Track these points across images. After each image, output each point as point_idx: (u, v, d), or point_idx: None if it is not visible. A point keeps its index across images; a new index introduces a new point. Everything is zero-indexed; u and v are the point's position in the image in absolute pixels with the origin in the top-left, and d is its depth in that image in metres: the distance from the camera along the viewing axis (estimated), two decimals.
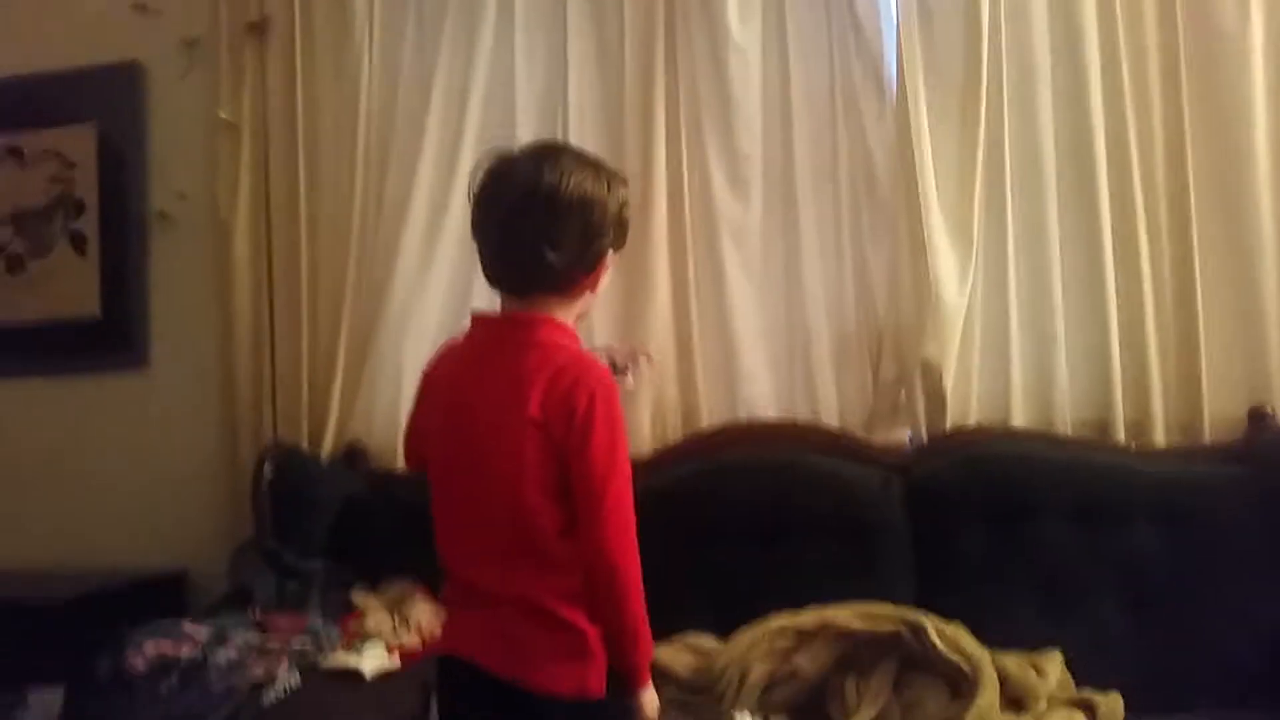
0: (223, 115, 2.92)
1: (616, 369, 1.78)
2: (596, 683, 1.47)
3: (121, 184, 3.09)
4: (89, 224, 3.11)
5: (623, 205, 1.57)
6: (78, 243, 3.11)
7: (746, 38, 2.68)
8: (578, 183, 1.50)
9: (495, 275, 1.56)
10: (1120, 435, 2.44)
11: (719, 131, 2.68)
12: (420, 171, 2.77)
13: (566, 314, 1.55)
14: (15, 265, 3.17)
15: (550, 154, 1.55)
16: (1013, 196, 2.54)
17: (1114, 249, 2.47)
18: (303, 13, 2.87)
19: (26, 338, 3.14)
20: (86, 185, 3.11)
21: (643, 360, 1.96)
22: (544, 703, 1.45)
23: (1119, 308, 2.46)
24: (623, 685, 1.51)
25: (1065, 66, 2.52)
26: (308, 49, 2.87)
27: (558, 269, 1.50)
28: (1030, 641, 2.13)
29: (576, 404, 1.45)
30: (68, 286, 3.10)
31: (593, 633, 1.47)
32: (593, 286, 1.56)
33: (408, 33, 2.83)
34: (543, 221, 1.49)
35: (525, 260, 1.51)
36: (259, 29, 2.90)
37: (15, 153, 3.18)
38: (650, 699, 1.55)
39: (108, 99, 3.10)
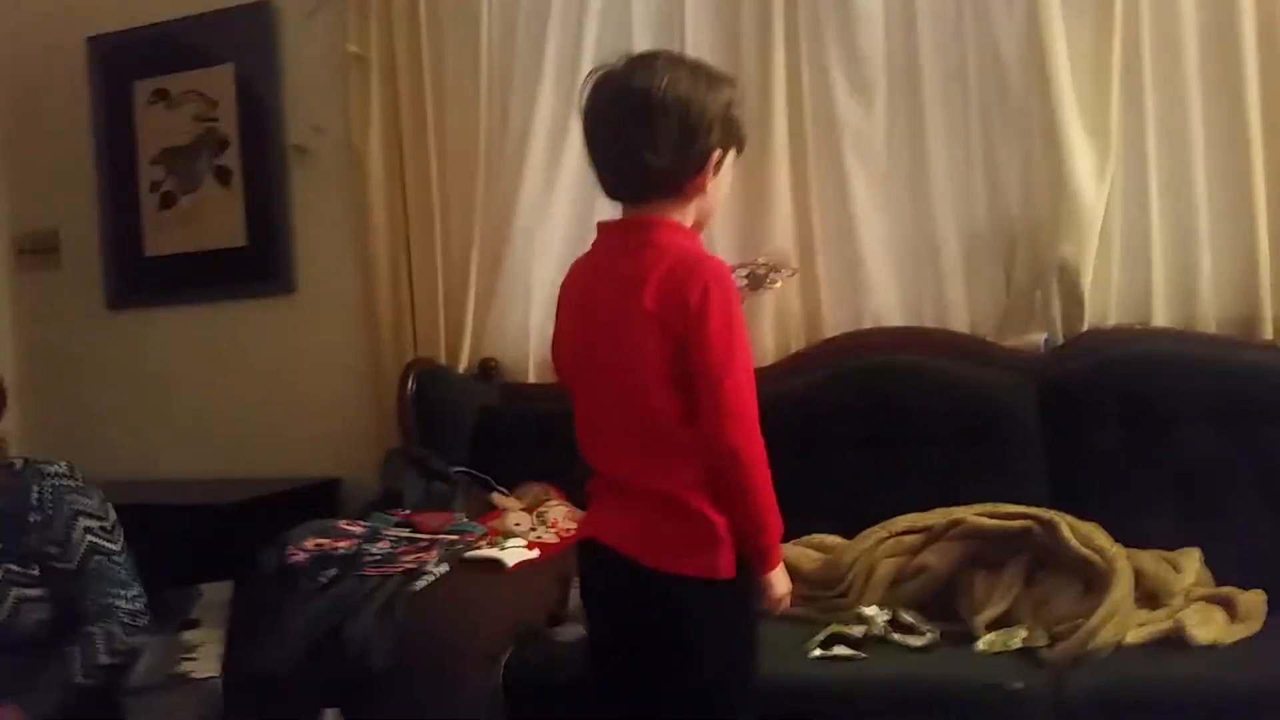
0: (351, 49, 3.01)
1: (758, 279, 1.78)
2: (727, 565, 1.51)
3: (260, 120, 3.22)
4: (232, 159, 3.26)
5: (728, 105, 1.55)
6: (223, 177, 3.28)
7: None
8: (670, 83, 1.51)
9: (606, 185, 1.60)
10: (1268, 332, 2.33)
11: (839, 33, 2.63)
12: (541, 93, 2.82)
13: (682, 216, 1.57)
14: (168, 201, 3.36)
15: (645, 60, 1.58)
16: (1152, 89, 2.43)
17: (1262, 141, 2.33)
18: None
19: (182, 267, 3.34)
20: (228, 122, 3.27)
21: (784, 271, 1.95)
22: (676, 583, 1.51)
23: (1267, 201, 2.33)
24: (753, 567, 1.55)
25: None
26: None
27: (660, 171, 1.51)
28: (1168, 545, 2.09)
29: (690, 295, 1.47)
30: (216, 219, 3.28)
31: (720, 521, 1.51)
32: (703, 188, 1.56)
33: None
34: (638, 125, 1.51)
35: (627, 166, 1.54)
36: None
37: (162, 94, 3.35)
38: (780, 579, 1.60)
39: (243, 39, 3.23)
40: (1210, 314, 2.39)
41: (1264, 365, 2.25)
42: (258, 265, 3.23)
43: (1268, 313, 2.34)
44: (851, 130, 2.63)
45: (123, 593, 2.03)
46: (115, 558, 2.05)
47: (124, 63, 3.39)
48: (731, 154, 1.59)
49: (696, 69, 1.58)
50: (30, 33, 3.47)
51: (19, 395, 2.67)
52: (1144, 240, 2.44)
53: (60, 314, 3.49)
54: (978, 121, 2.59)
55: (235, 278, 3.27)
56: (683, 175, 1.53)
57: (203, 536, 2.75)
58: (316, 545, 2.17)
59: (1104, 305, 2.45)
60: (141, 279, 3.41)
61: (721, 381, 1.47)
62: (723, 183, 1.60)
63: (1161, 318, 2.42)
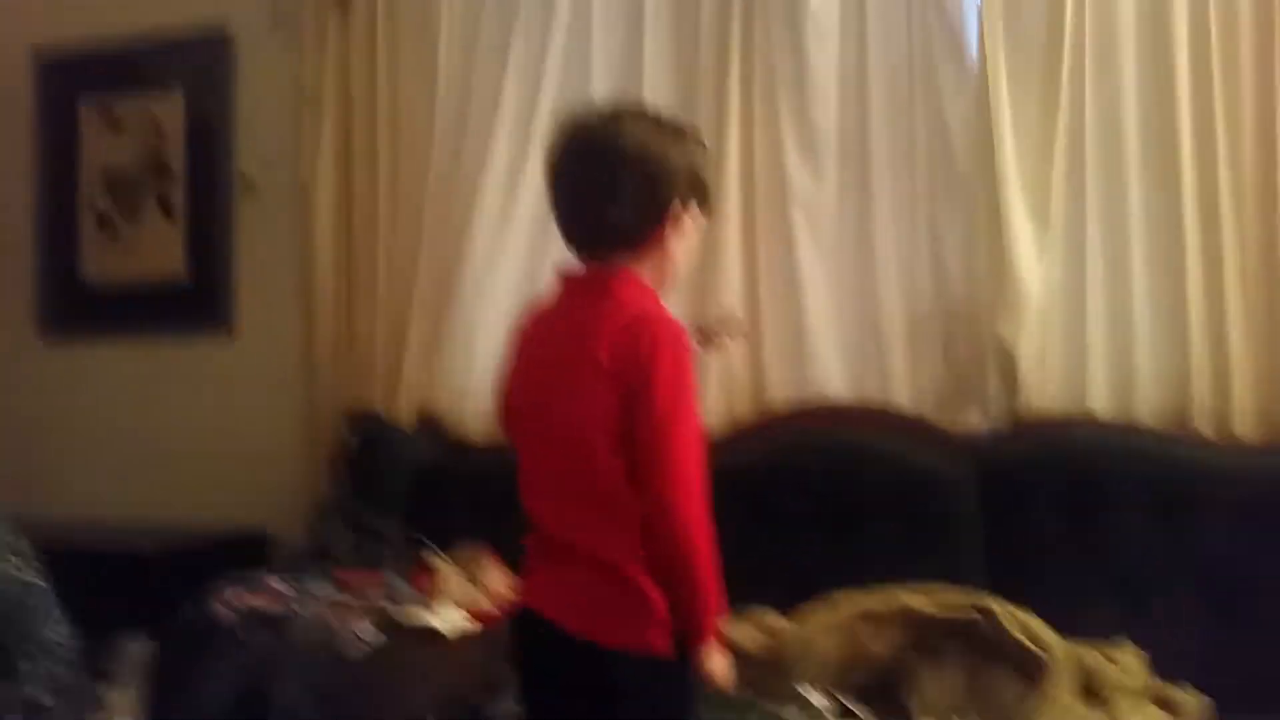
0: (307, 86, 2.97)
1: (706, 336, 1.76)
2: (662, 642, 1.46)
3: (209, 151, 3.18)
4: (177, 189, 3.20)
5: (692, 159, 1.54)
6: (166, 208, 3.21)
7: (824, 6, 2.64)
8: (635, 135, 1.50)
9: (568, 236, 1.56)
10: (1201, 425, 2.38)
11: (793, 103, 2.66)
12: (496, 140, 2.81)
13: (643, 271, 1.54)
14: (105, 223, 3.27)
15: (613, 111, 1.57)
16: (1093, 175, 2.48)
17: (1198, 231, 2.39)
18: None
19: (118, 298, 3.27)
20: (175, 151, 3.21)
21: (734, 329, 1.91)
22: (612, 658, 1.47)
23: (1202, 292, 2.39)
24: (689, 642, 1.49)
25: (1150, 40, 2.44)
26: (389, 19, 2.92)
27: (622, 225, 1.50)
28: (1102, 633, 2.10)
29: (641, 351, 1.44)
30: (157, 251, 3.22)
31: (658, 598, 1.46)
32: (665, 243, 1.53)
33: (486, 5, 2.85)
34: (601, 176, 1.50)
35: (589, 218, 1.52)
36: (343, 2, 2.95)
37: (108, 115, 3.27)
38: (720, 663, 1.55)
39: (196, 67, 3.19)
40: (1146, 403, 2.43)
41: (1198, 460, 2.29)
42: (197, 302, 3.17)
43: (1200, 405, 2.38)
44: (801, 199, 2.66)
45: (58, 629, 1.94)
46: (36, 591, 1.96)
47: (71, 76, 3.32)
48: (696, 210, 1.57)
49: (662, 122, 1.57)
50: None
51: None
52: (1081, 324, 2.48)
53: None
54: (924, 197, 2.62)
55: (173, 314, 3.20)
56: (644, 228, 1.51)
57: (124, 583, 2.66)
58: (242, 601, 2.11)
59: (1041, 388, 2.48)
60: (76, 307, 3.32)
61: (664, 440, 1.43)
62: (687, 239, 1.57)
63: (1099, 403, 2.46)
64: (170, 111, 3.22)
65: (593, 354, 1.46)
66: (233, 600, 2.14)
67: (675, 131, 1.56)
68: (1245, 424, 2.36)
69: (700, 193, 1.56)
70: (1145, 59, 2.45)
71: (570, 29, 2.80)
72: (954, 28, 2.59)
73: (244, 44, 3.16)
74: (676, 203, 1.52)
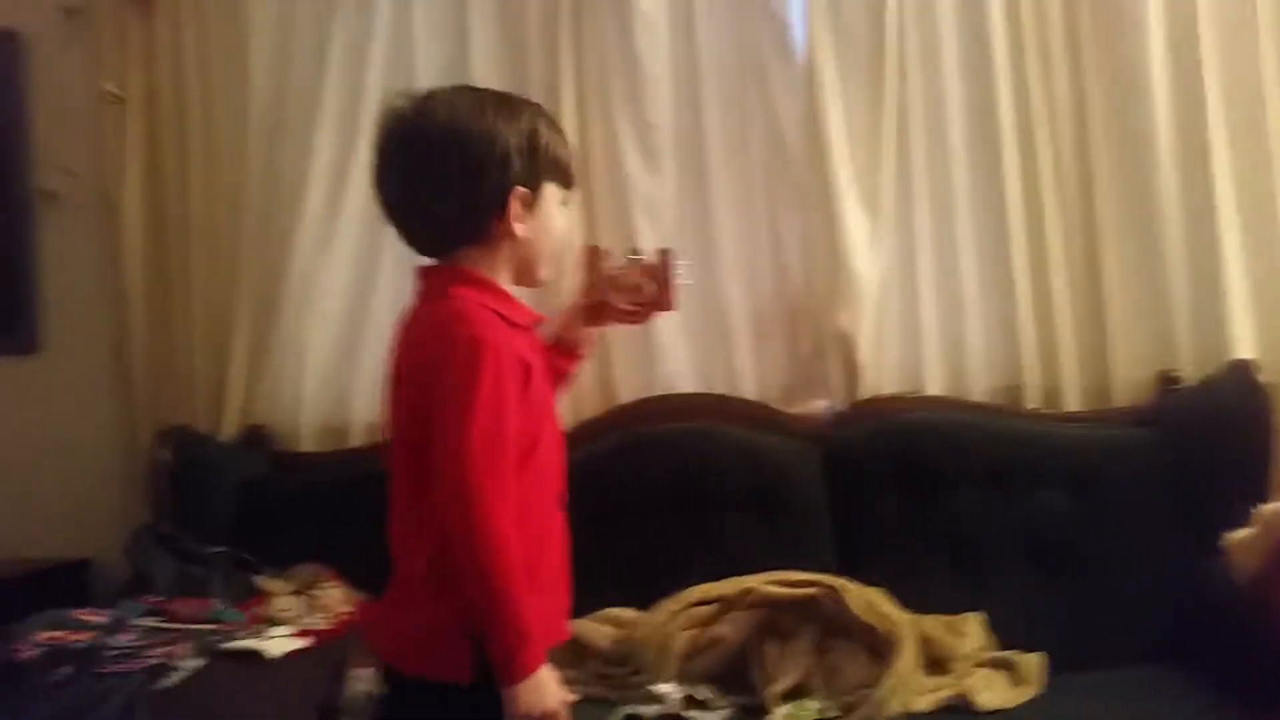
0: (108, 88, 2.79)
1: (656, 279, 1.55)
2: (461, 668, 1.29)
3: (4, 161, 2.92)
4: None
5: (531, 134, 1.37)
6: None
7: (653, 7, 2.64)
8: (452, 119, 1.34)
9: (402, 236, 1.42)
10: (1033, 401, 2.47)
11: (628, 103, 2.64)
12: (317, 143, 2.69)
13: (491, 265, 1.38)
14: None
15: (430, 93, 1.40)
16: (920, 165, 2.56)
17: (1022, 216, 2.50)
18: None
19: None
20: None
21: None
22: (414, 687, 1.33)
23: (1028, 275, 2.49)
24: (496, 677, 1.27)
25: (970, 34, 2.54)
26: (196, 17, 2.76)
27: (451, 220, 1.35)
28: (949, 607, 2.15)
29: (434, 356, 1.30)
30: None
31: (445, 615, 1.30)
32: (512, 231, 1.36)
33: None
34: (418, 169, 1.35)
35: (414, 216, 1.38)
36: None
37: None
38: (533, 694, 1.27)
39: None
40: (979, 383, 2.52)
41: (1030, 432, 2.37)
42: None
43: (1032, 381, 2.48)
44: (641, 195, 2.64)
45: None
46: None
47: None
48: (553, 189, 1.41)
49: (483, 97, 1.40)
50: None
51: None
52: (915, 311, 2.55)
53: None
54: (762, 192, 2.65)
55: None
56: (479, 220, 1.36)
57: None
58: (49, 639, 1.92)
59: (880, 374, 2.54)
60: None
61: (446, 452, 1.27)
62: (549, 223, 1.40)
63: (935, 386, 2.53)
64: None
65: (404, 358, 1.37)
66: (39, 637, 1.94)
67: (506, 106, 1.39)
68: (1072, 398, 2.46)
69: (553, 169, 1.40)
70: (966, 50, 2.55)
71: (393, 28, 2.70)
72: (781, 25, 2.62)
73: (36, 45, 2.93)
74: (513, 185, 1.35)
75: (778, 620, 2.02)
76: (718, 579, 2.11)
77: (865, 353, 2.51)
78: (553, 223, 1.42)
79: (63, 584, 2.64)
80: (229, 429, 2.68)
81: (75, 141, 2.88)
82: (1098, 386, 2.48)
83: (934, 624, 2.04)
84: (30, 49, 2.94)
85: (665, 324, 2.60)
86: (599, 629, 2.09)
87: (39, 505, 2.83)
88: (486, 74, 2.68)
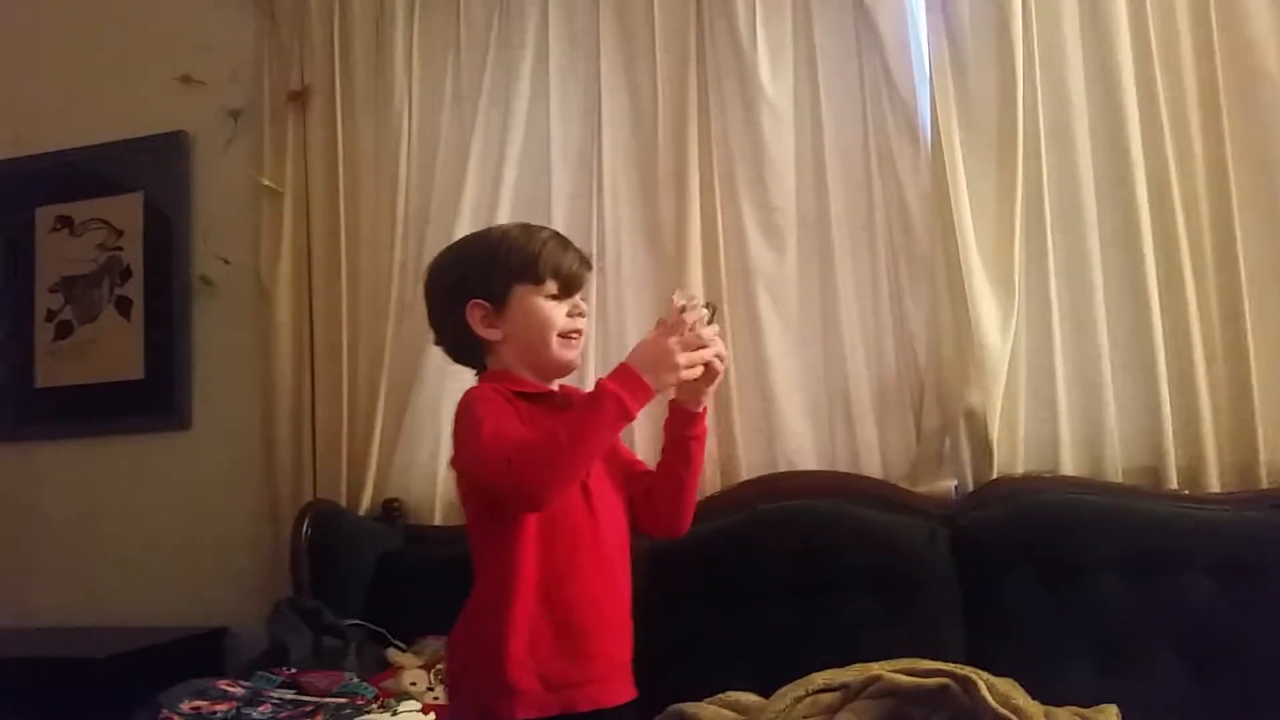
0: (265, 182, 2.98)
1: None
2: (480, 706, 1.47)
3: (167, 250, 3.16)
4: (135, 289, 3.18)
5: (485, 255, 1.60)
6: (123, 307, 3.18)
7: (778, 91, 2.69)
8: (431, 271, 1.66)
9: None
10: (1173, 482, 2.36)
11: (752, 185, 2.68)
12: (457, 233, 2.78)
13: (502, 363, 1.60)
14: (64, 331, 3.23)
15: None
16: (1053, 241, 2.50)
17: (1160, 291, 2.41)
18: (343, 81, 2.95)
19: (73, 399, 3.20)
20: (133, 251, 3.19)
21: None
22: None
23: (1167, 350, 2.39)
24: (628, 394, 1.43)
25: (1102, 107, 2.49)
26: (348, 116, 2.94)
27: (447, 345, 1.65)
28: (1084, 698, 2.03)
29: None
30: (113, 350, 3.17)
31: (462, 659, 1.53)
32: (492, 337, 1.58)
33: (445, 96, 2.89)
34: (427, 309, 1.67)
35: (441, 344, 1.68)
36: (300, 98, 2.98)
37: (65, 221, 3.27)
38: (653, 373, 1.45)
39: (155, 168, 3.19)
40: (1117, 463, 2.41)
41: (1172, 515, 2.25)
42: (153, 399, 3.11)
43: (1171, 462, 2.36)
44: (764, 275, 2.66)
45: None
46: None
47: (28, 188, 3.31)
48: (524, 289, 1.58)
49: (467, 238, 1.70)
50: None
51: None
52: (1049, 388, 2.47)
53: None
54: (886, 269, 2.63)
55: (129, 411, 3.13)
56: (460, 340, 1.61)
57: (77, 691, 2.55)
58: (193, 708, 2.01)
59: (1012, 453, 2.46)
60: (30, 411, 3.25)
61: (471, 462, 1.50)
62: (530, 315, 1.59)
63: (1069, 466, 2.44)
64: (129, 212, 3.21)
65: None
66: (183, 707, 2.03)
67: (474, 238, 1.68)
68: (1216, 478, 2.34)
69: (520, 273, 1.58)
70: (1097, 122, 2.49)
71: (529, 120, 2.83)
72: (907, 106, 2.62)
73: (202, 143, 3.17)
74: (468, 302, 1.58)
75: (905, 711, 1.95)
76: (840, 664, 2.05)
77: (996, 430, 2.44)
78: (535, 312, 1.59)
79: (202, 652, 2.78)
80: (367, 504, 2.78)
81: (233, 232, 3.08)
82: (1241, 466, 2.35)
83: (1068, 717, 1.94)
84: (195, 146, 3.18)
85: (787, 398, 2.61)
86: (720, 713, 2.05)
87: (183, 574, 2.98)
88: (616, 167, 2.78)
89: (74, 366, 3.21)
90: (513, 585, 1.46)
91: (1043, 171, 2.50)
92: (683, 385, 1.56)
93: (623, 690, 1.54)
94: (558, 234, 1.66)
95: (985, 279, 2.50)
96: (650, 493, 1.65)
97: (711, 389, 1.61)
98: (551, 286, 1.60)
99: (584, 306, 1.65)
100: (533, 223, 1.71)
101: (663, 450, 1.65)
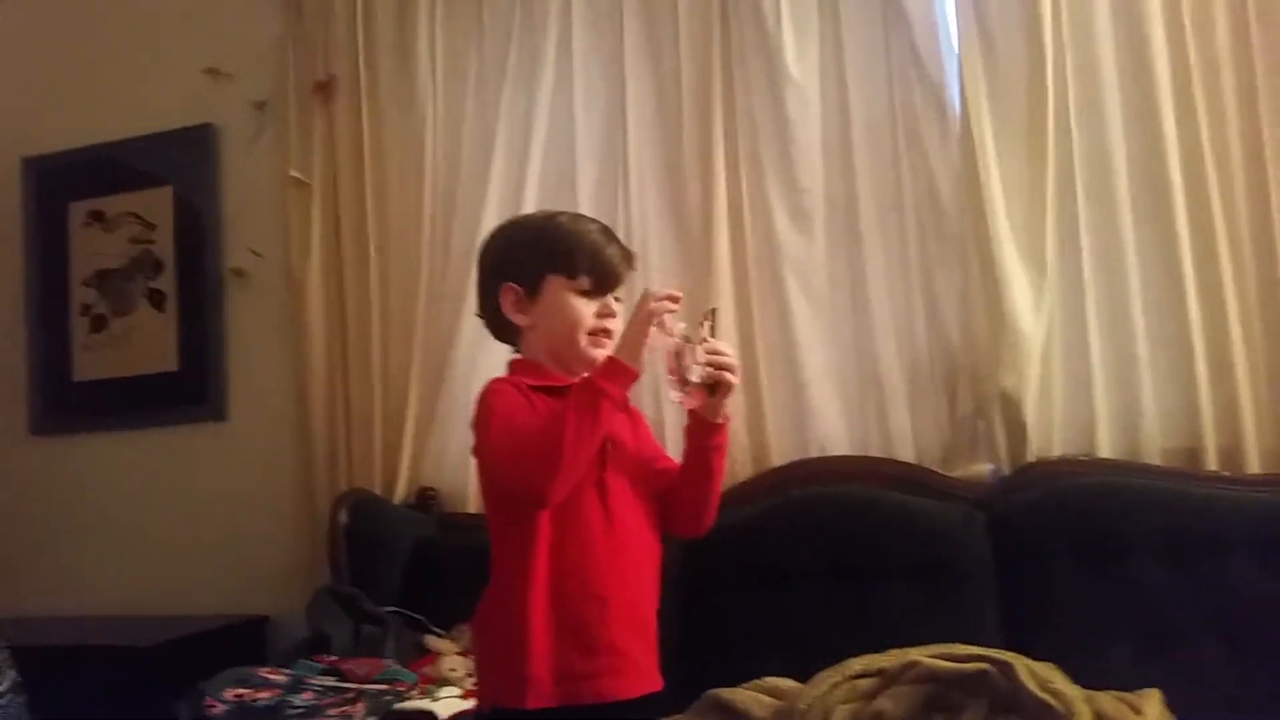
0: (293, 174, 2.99)
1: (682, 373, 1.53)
2: (504, 691, 1.48)
3: (198, 243, 3.18)
4: (167, 282, 3.20)
5: (533, 238, 1.60)
6: (156, 300, 3.21)
7: (804, 71, 2.66)
8: (482, 242, 1.69)
9: None
10: (1212, 463, 2.33)
11: (779, 166, 2.66)
12: (485, 221, 2.78)
13: (529, 352, 1.61)
14: (99, 324, 3.27)
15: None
16: (1086, 219, 2.47)
17: (1195, 269, 2.37)
18: (368, 71, 2.95)
19: (109, 392, 3.24)
20: (165, 245, 3.22)
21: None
22: None
23: (1204, 329, 2.36)
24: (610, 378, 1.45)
25: (1134, 83, 2.45)
26: (373, 106, 2.94)
27: (487, 322, 1.66)
28: (1126, 682, 2.01)
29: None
30: (148, 343, 3.20)
31: (489, 641, 1.55)
32: (518, 323, 1.59)
33: (470, 83, 2.88)
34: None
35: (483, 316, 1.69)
36: (326, 89, 2.98)
37: (97, 216, 3.30)
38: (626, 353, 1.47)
39: (183, 161, 3.20)
40: (1154, 444, 2.39)
41: (1211, 497, 2.23)
42: (188, 391, 3.14)
43: (1209, 443, 2.33)
44: (792, 259, 2.64)
45: None
46: None
47: (60, 183, 3.35)
48: (558, 280, 1.57)
49: (515, 222, 1.72)
50: None
51: None
52: (1084, 369, 2.44)
53: None
54: (916, 251, 2.61)
55: (165, 403, 3.17)
56: (495, 319, 1.63)
57: (120, 680, 2.58)
58: (236, 696, 2.05)
59: (1048, 435, 2.44)
60: (68, 404, 3.30)
61: (486, 459, 1.51)
62: (560, 309, 1.58)
63: (1105, 448, 2.41)
64: (159, 206, 3.23)
65: None
66: (226, 695, 2.07)
67: (524, 219, 1.71)
68: (1256, 459, 2.31)
69: (556, 263, 1.58)
70: (1129, 99, 2.46)
71: (554, 107, 2.82)
72: (935, 84, 2.60)
73: (229, 136, 3.18)
74: (501, 283, 1.59)
75: (944, 696, 1.94)
76: (876, 650, 2.05)
77: (1031, 413, 2.42)
78: (561, 310, 1.58)
79: (244, 640, 2.81)
80: (402, 492, 2.80)
81: (262, 224, 3.10)
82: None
83: (1110, 701, 1.92)
84: (223, 140, 3.19)
85: (818, 383, 2.59)
86: (758, 698, 2.06)
87: (223, 563, 3.02)
88: (641, 144, 2.77)
89: (110, 359, 3.24)
90: (525, 577, 1.47)
91: (1073, 148, 2.47)
92: (696, 397, 1.53)
93: (638, 683, 1.52)
94: (606, 228, 1.64)
95: (1017, 258, 2.47)
96: (670, 493, 1.63)
97: (726, 400, 1.57)
98: (585, 282, 1.58)
99: (615, 307, 1.61)
100: (581, 213, 1.73)
101: (684, 455, 1.63)
